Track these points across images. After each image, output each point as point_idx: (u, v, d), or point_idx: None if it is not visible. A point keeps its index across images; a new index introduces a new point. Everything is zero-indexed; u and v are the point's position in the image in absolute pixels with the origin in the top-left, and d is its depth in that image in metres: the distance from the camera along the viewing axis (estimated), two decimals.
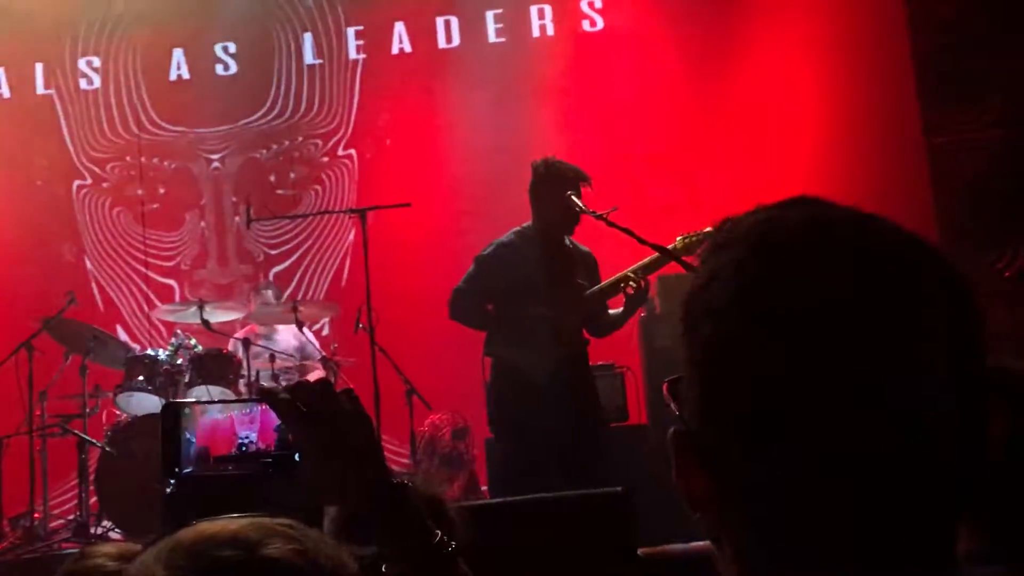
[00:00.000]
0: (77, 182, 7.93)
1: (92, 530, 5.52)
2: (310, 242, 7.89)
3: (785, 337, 0.70)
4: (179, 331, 6.11)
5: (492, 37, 7.95)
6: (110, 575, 1.56)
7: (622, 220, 4.23)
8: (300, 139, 8.02)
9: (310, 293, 7.72)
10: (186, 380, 5.73)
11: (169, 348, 5.92)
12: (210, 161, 8.00)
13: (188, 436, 1.35)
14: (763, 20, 7.49)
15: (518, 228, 4.66)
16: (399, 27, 7.97)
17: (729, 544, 0.76)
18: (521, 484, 4.17)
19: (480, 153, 7.35)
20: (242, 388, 5.74)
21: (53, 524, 5.79)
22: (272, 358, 6.13)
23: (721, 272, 0.74)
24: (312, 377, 4.46)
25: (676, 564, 3.85)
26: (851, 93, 7.18)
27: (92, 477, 5.62)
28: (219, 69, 8.01)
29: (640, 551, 3.51)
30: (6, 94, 8.00)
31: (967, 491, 0.71)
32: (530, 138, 6.93)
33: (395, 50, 7.99)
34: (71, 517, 5.77)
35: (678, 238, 4.34)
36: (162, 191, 7.98)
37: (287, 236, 7.89)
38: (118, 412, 5.93)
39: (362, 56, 8.04)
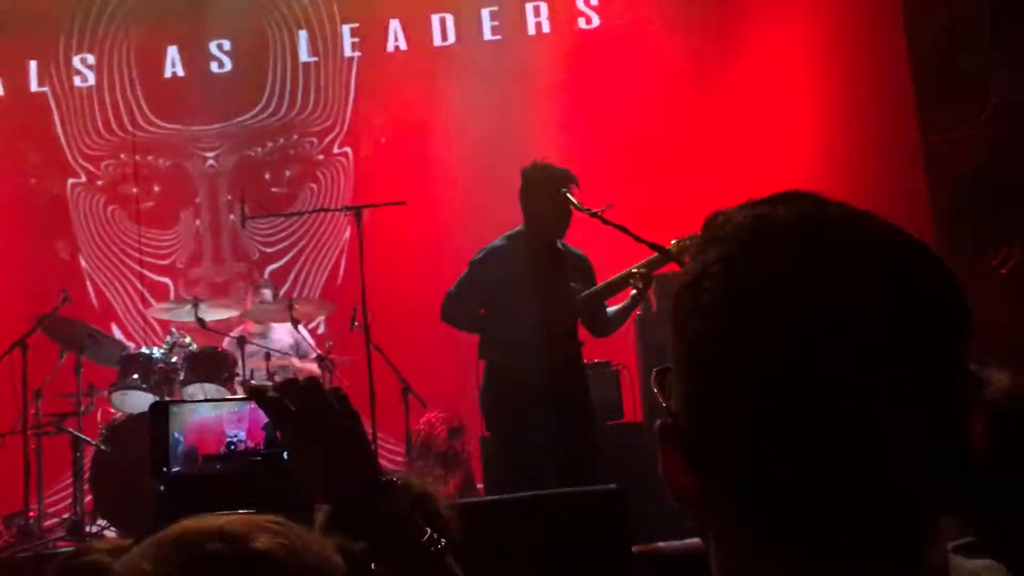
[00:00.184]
0: (71, 180, 7.92)
1: (87, 528, 5.50)
2: (305, 240, 7.88)
3: (775, 335, 0.69)
4: (174, 329, 6.10)
5: (488, 35, 7.94)
6: (105, 571, 1.55)
7: (617, 218, 4.22)
8: (295, 137, 8.01)
9: (305, 291, 7.71)
10: (181, 378, 5.72)
11: (164, 346, 5.91)
12: (205, 159, 7.99)
13: (176, 435, 1.35)
14: (760, 17, 7.49)
15: (510, 232, 4.66)
16: (394, 25, 7.96)
17: (713, 538, 0.76)
18: (517, 482, 4.18)
19: (476, 151, 7.34)
20: (237, 386, 5.73)
21: (48, 523, 5.77)
22: (267, 356, 6.13)
23: (711, 268, 0.73)
24: (304, 375, 4.46)
25: (670, 562, 3.86)
26: (848, 91, 7.18)
27: (87, 476, 5.61)
28: (214, 67, 7.99)
29: (634, 548, 3.52)
30: None
31: (949, 491, 0.71)
32: (526, 136, 6.92)
33: (390, 48, 7.98)
34: (66, 516, 5.76)
35: (673, 241, 4.32)
36: (157, 189, 7.98)
37: (282, 234, 7.88)
38: (113, 410, 5.92)
39: (357, 54, 8.03)
